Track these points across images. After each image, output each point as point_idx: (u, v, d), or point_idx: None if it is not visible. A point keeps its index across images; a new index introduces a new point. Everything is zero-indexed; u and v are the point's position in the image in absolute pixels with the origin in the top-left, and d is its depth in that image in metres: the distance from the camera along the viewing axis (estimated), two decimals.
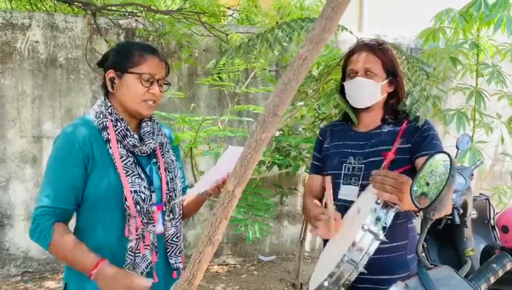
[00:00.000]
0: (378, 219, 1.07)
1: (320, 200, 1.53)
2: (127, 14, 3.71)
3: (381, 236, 1.05)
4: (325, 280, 1.08)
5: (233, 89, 3.02)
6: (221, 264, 3.86)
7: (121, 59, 1.29)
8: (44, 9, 4.33)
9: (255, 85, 3.52)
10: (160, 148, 1.38)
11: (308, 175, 1.66)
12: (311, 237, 4.11)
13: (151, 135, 1.34)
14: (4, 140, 3.39)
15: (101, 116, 1.27)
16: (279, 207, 3.98)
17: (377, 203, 1.10)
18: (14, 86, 3.37)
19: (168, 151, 1.41)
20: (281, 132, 2.94)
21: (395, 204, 1.09)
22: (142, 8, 3.59)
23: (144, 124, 1.35)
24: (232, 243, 3.95)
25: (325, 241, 1.44)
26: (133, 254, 1.23)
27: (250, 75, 3.11)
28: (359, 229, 1.06)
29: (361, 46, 1.44)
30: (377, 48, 1.42)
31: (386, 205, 1.09)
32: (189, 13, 3.50)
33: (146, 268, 1.24)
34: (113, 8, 3.66)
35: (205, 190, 1.34)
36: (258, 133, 0.49)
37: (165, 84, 1.35)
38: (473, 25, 2.88)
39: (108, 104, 1.29)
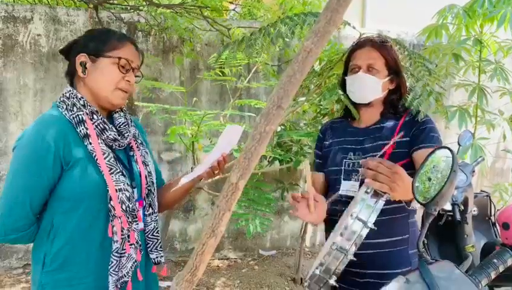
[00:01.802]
0: (367, 207, 1.07)
1: (325, 197, 1.53)
2: (129, 8, 3.70)
3: (370, 224, 1.06)
4: (316, 268, 1.08)
5: (235, 83, 3.02)
6: (221, 259, 3.88)
7: (96, 43, 1.19)
8: (46, 2, 4.32)
9: (257, 80, 3.52)
10: (134, 141, 1.30)
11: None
12: (311, 233, 4.12)
13: (126, 126, 1.26)
14: (6, 133, 3.40)
15: (74, 108, 1.16)
16: (280, 202, 3.98)
17: (366, 192, 1.10)
18: (16, 79, 3.37)
19: (142, 143, 1.34)
20: (283, 127, 2.94)
21: (385, 193, 1.09)
22: (144, 2, 3.58)
23: (116, 116, 1.26)
24: (232, 238, 3.97)
25: (327, 235, 1.44)
26: (118, 254, 1.15)
27: (252, 70, 3.11)
28: (349, 218, 1.07)
29: (365, 42, 1.45)
30: (380, 45, 1.42)
31: (376, 194, 1.09)
32: (192, 7, 3.49)
33: (131, 267, 1.18)
34: (115, 1, 3.65)
35: (198, 174, 1.28)
36: (262, 125, 0.49)
37: (137, 76, 1.27)
38: (476, 21, 2.87)
39: (79, 95, 1.18)
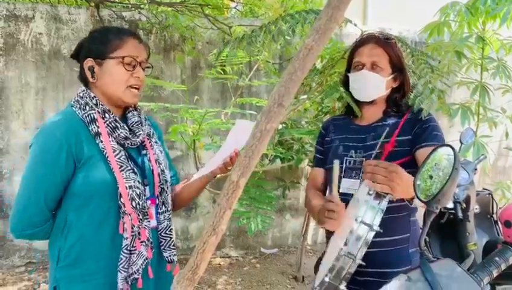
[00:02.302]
0: (371, 210, 1.07)
1: (323, 193, 1.53)
2: (130, 6, 3.70)
3: (376, 227, 1.05)
4: (326, 275, 1.08)
5: (236, 81, 3.02)
6: (223, 257, 3.88)
7: (98, 45, 1.21)
8: (48, 1, 4.32)
9: (258, 78, 3.52)
10: (148, 139, 1.32)
11: (310, 168, 1.66)
12: (313, 231, 4.12)
13: (139, 125, 1.28)
14: (8, 132, 3.41)
15: (87, 108, 1.18)
16: (282, 200, 3.99)
17: (369, 194, 1.09)
18: (17, 78, 3.38)
19: (156, 142, 1.35)
20: (284, 125, 2.94)
21: (387, 193, 1.09)
22: (145, 0, 3.58)
23: (129, 115, 1.28)
24: (234, 236, 3.97)
25: (328, 234, 1.44)
26: (128, 251, 1.17)
27: (254, 68, 3.10)
28: (353, 222, 1.06)
29: (369, 39, 1.43)
30: (385, 42, 1.41)
31: (379, 195, 1.09)
32: (193, 5, 3.49)
33: (142, 265, 1.19)
34: (116, 0, 3.65)
35: (211, 170, 1.29)
36: (263, 123, 0.48)
37: (147, 67, 1.27)
38: (479, 19, 2.85)
39: (92, 94, 1.20)
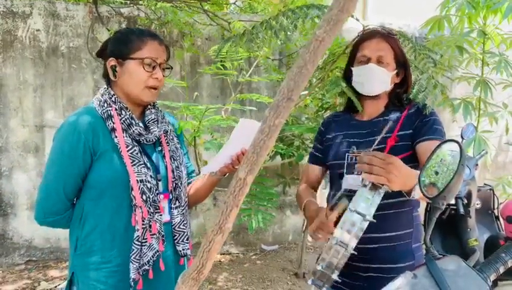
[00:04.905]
0: (365, 201, 1.07)
1: (315, 190, 1.53)
2: (128, 2, 3.67)
3: (369, 217, 1.05)
4: (318, 264, 1.08)
5: (236, 77, 3.00)
6: (224, 254, 3.88)
7: (120, 46, 1.27)
8: None
9: (258, 74, 3.50)
10: (164, 136, 1.37)
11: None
12: None
13: (155, 122, 1.33)
14: (6, 129, 3.39)
15: (105, 105, 1.26)
16: (282, 197, 3.98)
17: (364, 185, 1.09)
18: (15, 75, 3.36)
19: (172, 139, 1.40)
20: (285, 122, 2.92)
21: (382, 185, 1.08)
22: None
23: (147, 112, 1.34)
24: (234, 233, 3.97)
25: None
26: (139, 243, 1.22)
27: (254, 64, 3.08)
28: (347, 212, 1.06)
29: (375, 33, 1.42)
30: (390, 37, 1.41)
31: (375, 187, 1.08)
32: (192, 1, 3.47)
33: (153, 257, 1.25)
34: None
35: (219, 168, 1.32)
36: (272, 118, 0.47)
37: (167, 68, 1.34)
38: (480, 13, 2.83)
39: (112, 92, 1.27)
